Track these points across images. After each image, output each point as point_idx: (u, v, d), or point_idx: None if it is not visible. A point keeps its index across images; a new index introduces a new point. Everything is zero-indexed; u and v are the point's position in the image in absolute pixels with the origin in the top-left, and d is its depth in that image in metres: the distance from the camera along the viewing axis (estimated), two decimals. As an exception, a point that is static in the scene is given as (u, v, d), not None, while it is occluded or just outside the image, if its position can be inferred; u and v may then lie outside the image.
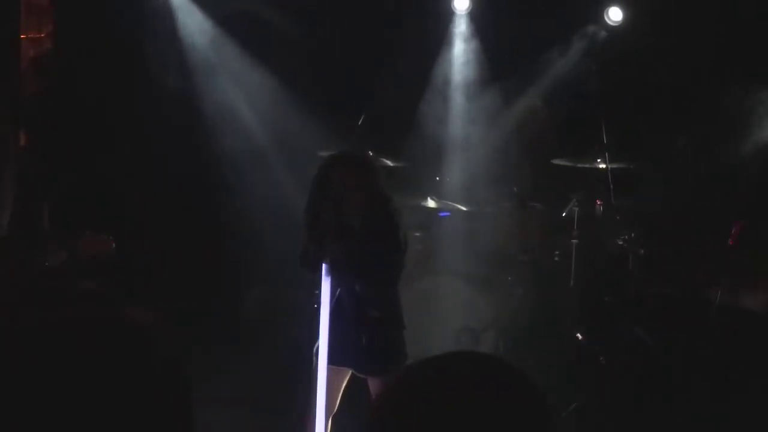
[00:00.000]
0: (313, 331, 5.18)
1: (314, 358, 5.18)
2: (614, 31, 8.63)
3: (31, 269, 5.48)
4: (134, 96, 8.17)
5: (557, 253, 7.99)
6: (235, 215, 8.56)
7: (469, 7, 8.77)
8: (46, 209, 5.85)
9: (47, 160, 6.68)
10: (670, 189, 7.86)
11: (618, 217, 7.71)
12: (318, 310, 5.26)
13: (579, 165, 7.92)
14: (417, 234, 7.98)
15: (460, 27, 8.92)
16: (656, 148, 8.15)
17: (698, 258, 7.78)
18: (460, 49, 8.90)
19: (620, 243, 7.64)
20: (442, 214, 8.20)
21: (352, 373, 5.30)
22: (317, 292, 5.29)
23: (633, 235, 7.60)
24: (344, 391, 5.33)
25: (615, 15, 8.56)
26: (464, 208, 8.15)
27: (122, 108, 8.09)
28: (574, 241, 7.77)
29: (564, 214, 7.91)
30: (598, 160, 7.73)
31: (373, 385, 5.20)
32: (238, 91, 8.74)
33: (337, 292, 5.19)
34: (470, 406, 1.67)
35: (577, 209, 7.82)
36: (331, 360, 5.09)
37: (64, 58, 7.99)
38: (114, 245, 5.47)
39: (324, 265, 5.12)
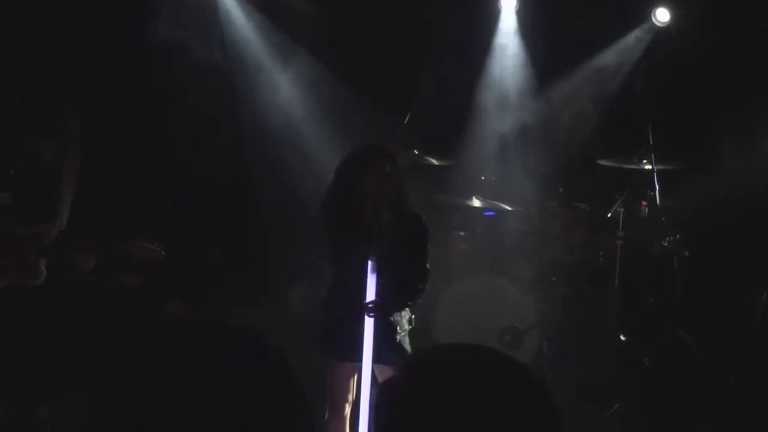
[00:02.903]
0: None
1: (327, 354, 5.26)
2: (661, 31, 8.61)
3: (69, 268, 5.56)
4: (177, 93, 8.22)
5: (602, 253, 7.97)
6: (278, 211, 8.62)
7: (516, 5, 8.79)
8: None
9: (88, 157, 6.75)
10: (717, 190, 7.81)
11: (663, 219, 7.69)
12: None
13: (625, 166, 7.90)
14: (462, 233, 8.01)
15: (508, 25, 8.93)
16: (703, 149, 8.11)
17: (744, 260, 7.74)
18: (507, 48, 8.91)
19: (665, 245, 7.62)
20: (487, 213, 8.21)
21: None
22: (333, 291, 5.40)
23: (678, 236, 7.58)
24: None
25: (662, 16, 8.54)
26: (509, 208, 8.16)
27: (164, 106, 8.15)
28: (619, 242, 7.75)
29: (609, 215, 7.90)
30: (644, 161, 7.71)
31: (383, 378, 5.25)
32: (284, 88, 8.81)
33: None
34: (471, 397, 1.71)
35: (622, 210, 7.80)
36: (350, 357, 5.15)
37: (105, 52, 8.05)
38: (163, 254, 5.53)
39: (370, 263, 5.13)
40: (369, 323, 5.09)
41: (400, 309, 5.29)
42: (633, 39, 8.74)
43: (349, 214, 5.26)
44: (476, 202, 8.09)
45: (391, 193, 5.22)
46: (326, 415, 5.33)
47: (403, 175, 5.41)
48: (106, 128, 7.84)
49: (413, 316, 5.44)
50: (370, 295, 5.11)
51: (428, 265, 5.41)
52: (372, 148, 5.52)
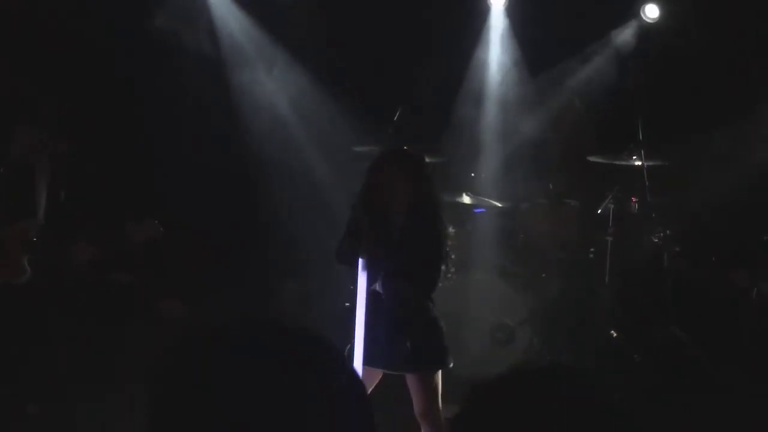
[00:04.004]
0: (348, 329, 5.14)
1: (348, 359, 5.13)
2: (651, 27, 8.61)
3: (62, 263, 5.54)
4: (168, 89, 8.20)
5: (592, 250, 7.99)
6: (271, 209, 8.60)
7: (505, 2, 8.79)
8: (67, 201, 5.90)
9: (79, 154, 6.73)
10: (707, 186, 7.82)
11: (653, 215, 7.70)
12: (350, 308, 5.25)
13: (615, 162, 7.90)
14: (452, 230, 7.99)
15: (497, 22, 8.93)
16: (693, 145, 8.12)
17: (735, 256, 7.75)
18: (496, 44, 8.91)
19: (655, 240, 7.63)
20: (477, 210, 8.20)
21: (384, 373, 5.24)
22: (352, 287, 5.28)
23: (668, 232, 7.59)
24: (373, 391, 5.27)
25: (651, 12, 8.55)
26: (499, 205, 8.15)
27: (156, 102, 8.12)
28: (609, 238, 7.76)
29: (599, 211, 7.90)
30: (634, 158, 7.72)
31: (414, 382, 5.16)
32: (274, 85, 8.80)
33: (375, 286, 5.15)
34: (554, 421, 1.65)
35: (612, 206, 7.81)
36: (365, 361, 5.06)
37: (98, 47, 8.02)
38: (162, 229, 5.51)
39: (360, 261, 5.10)
40: (360, 324, 5.06)
41: (408, 303, 5.18)
42: (622, 35, 8.75)
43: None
44: (466, 199, 8.08)
45: (392, 194, 5.16)
46: None
47: (417, 177, 5.31)
48: (103, 126, 7.85)
49: (443, 326, 5.29)
50: (361, 291, 5.08)
51: (440, 259, 5.26)
52: (384, 151, 5.50)
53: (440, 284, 5.22)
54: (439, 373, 5.10)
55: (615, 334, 7.65)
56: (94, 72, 7.94)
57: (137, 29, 8.09)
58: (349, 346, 5.13)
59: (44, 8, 7.75)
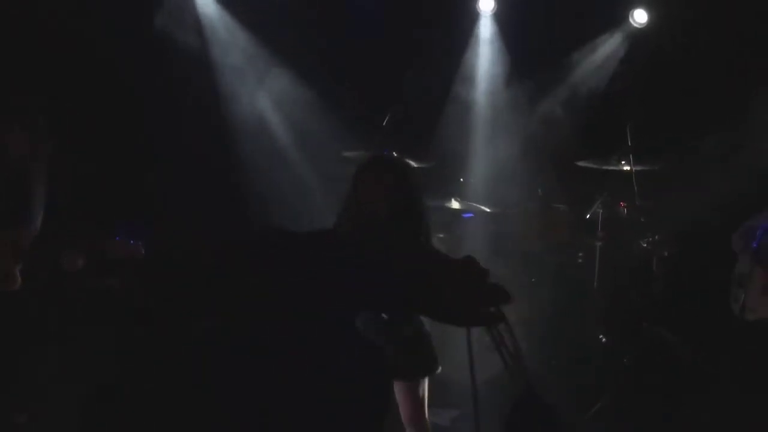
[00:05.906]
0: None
1: None
2: (640, 32, 8.63)
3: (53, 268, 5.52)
4: (170, 89, 8.18)
5: (581, 254, 7.98)
6: (271, 208, 8.59)
7: (494, 8, 8.80)
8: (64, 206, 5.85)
9: (78, 155, 6.70)
10: (695, 190, 7.83)
11: (642, 219, 7.70)
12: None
13: (604, 167, 7.91)
14: (441, 235, 7.99)
15: (485, 28, 8.94)
16: (682, 149, 8.13)
17: (723, 261, 7.76)
18: (485, 49, 8.93)
19: (644, 245, 7.64)
20: (465, 215, 8.20)
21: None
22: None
23: (657, 237, 7.60)
24: None
25: (640, 17, 8.57)
26: (488, 210, 8.15)
27: (156, 102, 8.09)
28: (598, 242, 7.76)
29: (588, 216, 7.91)
30: (623, 162, 7.72)
31: (401, 389, 5.12)
32: (263, 90, 8.78)
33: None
34: None
35: (601, 211, 7.82)
36: None
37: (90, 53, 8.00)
38: (143, 252, 5.50)
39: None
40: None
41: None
42: (611, 40, 8.76)
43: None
44: (455, 204, 8.08)
45: (380, 202, 5.13)
46: None
47: (403, 184, 5.27)
48: (103, 127, 7.81)
49: (429, 332, 5.27)
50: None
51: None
52: (370, 158, 5.47)
53: None
54: (426, 379, 5.08)
55: (604, 339, 7.65)
56: (94, 72, 7.92)
57: (137, 29, 8.07)
58: None
59: (44, 8, 7.73)
